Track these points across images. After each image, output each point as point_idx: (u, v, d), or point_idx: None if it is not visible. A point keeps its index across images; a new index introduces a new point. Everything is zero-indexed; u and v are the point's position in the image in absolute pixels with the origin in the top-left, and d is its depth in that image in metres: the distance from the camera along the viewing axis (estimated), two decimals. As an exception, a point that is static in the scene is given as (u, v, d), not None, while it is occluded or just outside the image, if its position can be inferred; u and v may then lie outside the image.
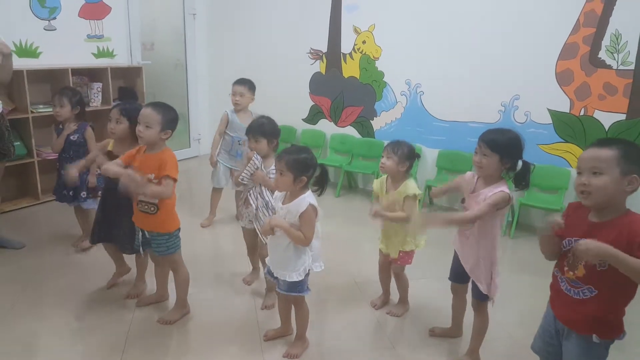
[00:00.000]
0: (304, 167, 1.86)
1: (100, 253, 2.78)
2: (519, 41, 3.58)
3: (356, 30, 4.41)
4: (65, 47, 4.21)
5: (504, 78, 3.69)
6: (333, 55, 4.60)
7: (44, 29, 4.09)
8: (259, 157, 2.30)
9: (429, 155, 4.13)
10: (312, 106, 4.85)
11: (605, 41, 3.27)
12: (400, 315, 2.42)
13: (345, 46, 4.51)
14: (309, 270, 1.97)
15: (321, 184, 1.94)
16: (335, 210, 4.04)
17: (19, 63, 3.69)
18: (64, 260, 2.94)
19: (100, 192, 2.78)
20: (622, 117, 3.29)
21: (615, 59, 3.26)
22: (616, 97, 3.29)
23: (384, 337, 2.28)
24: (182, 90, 5.52)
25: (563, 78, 3.47)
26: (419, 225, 2.07)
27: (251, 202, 2.33)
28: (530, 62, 3.56)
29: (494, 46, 3.69)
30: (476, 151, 1.84)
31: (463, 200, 1.93)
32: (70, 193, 2.94)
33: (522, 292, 2.61)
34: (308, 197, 1.88)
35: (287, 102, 4.84)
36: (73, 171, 2.44)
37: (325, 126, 4.77)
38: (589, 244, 1.26)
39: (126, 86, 4.64)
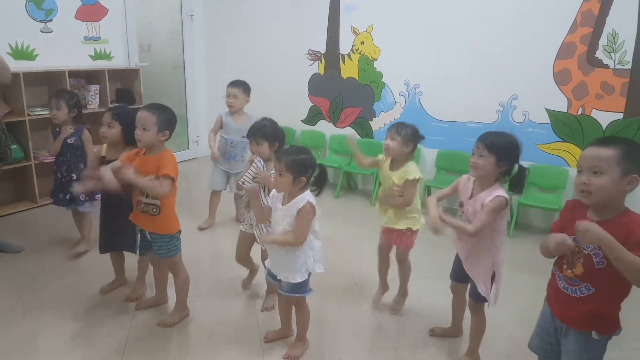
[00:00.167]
0: (303, 168, 1.85)
1: (99, 258, 2.77)
2: (516, 41, 3.59)
3: (355, 31, 4.42)
4: (62, 49, 4.19)
5: (502, 78, 3.70)
6: (332, 56, 4.60)
7: (41, 31, 4.08)
8: (261, 160, 2.28)
9: (428, 155, 4.14)
10: (311, 107, 4.85)
11: (602, 41, 3.28)
12: (400, 309, 2.42)
13: (344, 47, 4.51)
14: (311, 271, 1.96)
15: (320, 184, 1.93)
16: (335, 210, 4.03)
17: (16, 65, 3.67)
18: (63, 264, 2.93)
19: (98, 196, 2.77)
20: (620, 116, 3.30)
21: (612, 59, 3.27)
22: (613, 97, 3.30)
23: (384, 338, 2.27)
24: (180, 92, 5.51)
25: (561, 78, 3.48)
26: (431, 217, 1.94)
27: None
28: (528, 62, 3.57)
29: (492, 46, 3.69)
30: (473, 152, 1.83)
31: (461, 204, 1.92)
32: (67, 197, 2.92)
33: (522, 292, 2.61)
34: (307, 196, 1.88)
35: (286, 103, 4.84)
36: (80, 189, 2.44)
37: (325, 127, 4.77)
38: (589, 226, 1.26)
39: (124, 88, 4.64)
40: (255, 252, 2.49)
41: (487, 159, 1.78)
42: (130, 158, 2.13)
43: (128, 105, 4.26)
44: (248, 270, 2.59)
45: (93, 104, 4.26)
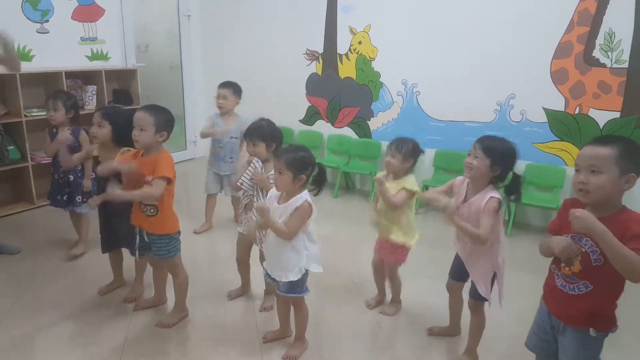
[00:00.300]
0: (303, 165, 1.85)
1: (97, 259, 2.77)
2: (513, 41, 3.59)
3: (352, 31, 4.42)
4: (58, 50, 4.18)
5: (499, 77, 3.70)
6: (329, 56, 4.60)
7: (37, 31, 4.06)
8: (259, 161, 2.27)
9: (426, 155, 4.10)
10: (308, 107, 4.84)
11: (599, 40, 3.29)
12: (393, 314, 2.43)
13: (341, 47, 4.51)
14: (306, 270, 1.95)
15: (319, 184, 1.94)
16: (333, 211, 4.03)
17: (12, 66, 3.66)
18: (61, 265, 2.92)
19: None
20: (617, 115, 3.31)
21: (609, 58, 3.28)
22: (610, 95, 3.31)
23: (383, 337, 2.28)
24: (178, 92, 5.50)
25: (558, 77, 3.49)
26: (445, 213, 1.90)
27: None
28: (525, 62, 3.57)
29: (489, 46, 3.70)
30: (469, 153, 1.85)
31: (456, 207, 1.93)
32: (65, 198, 2.92)
33: (520, 291, 2.61)
34: (305, 195, 1.88)
35: (284, 104, 4.84)
36: (88, 184, 2.55)
37: (322, 127, 4.77)
38: (584, 213, 1.28)
39: (121, 89, 4.63)
40: (254, 253, 2.48)
41: (482, 161, 1.79)
42: (128, 160, 2.12)
43: (125, 106, 4.25)
44: (243, 271, 2.57)
45: (90, 104, 4.24)
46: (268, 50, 4.97)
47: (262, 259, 2.38)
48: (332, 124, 4.72)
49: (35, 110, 3.85)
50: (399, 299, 2.47)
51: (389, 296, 2.52)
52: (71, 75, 4.15)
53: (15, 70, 3.04)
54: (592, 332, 1.41)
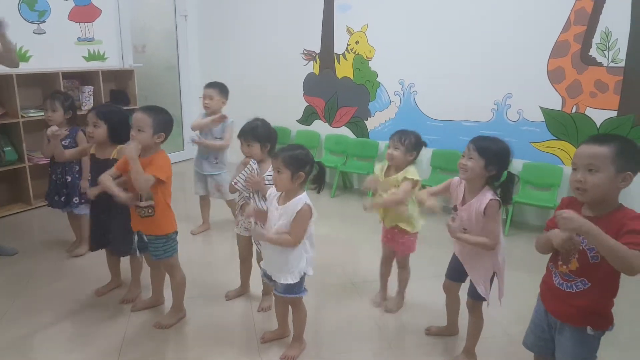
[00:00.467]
0: (301, 163, 1.85)
1: (95, 259, 2.76)
2: (510, 40, 3.60)
3: (349, 31, 4.42)
4: (55, 50, 4.17)
5: (496, 77, 3.71)
6: (326, 55, 4.60)
7: (34, 32, 4.05)
8: (255, 162, 2.26)
9: (423, 154, 4.07)
10: (306, 107, 4.84)
11: (596, 39, 3.30)
12: (396, 311, 2.43)
13: (339, 46, 4.51)
14: (304, 273, 1.95)
15: (319, 182, 1.94)
16: (331, 210, 4.04)
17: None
18: (58, 266, 2.91)
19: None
20: (614, 114, 3.32)
21: (605, 57, 3.29)
22: (607, 94, 3.32)
23: (381, 337, 2.28)
24: (175, 93, 5.49)
25: (555, 76, 3.49)
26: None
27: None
28: (522, 61, 3.58)
29: (486, 45, 3.70)
30: (464, 154, 1.84)
31: (455, 208, 1.93)
32: (62, 199, 2.91)
33: (518, 290, 2.61)
34: (304, 198, 1.88)
35: (281, 104, 4.84)
36: (86, 185, 2.57)
37: (320, 127, 4.77)
38: (573, 215, 1.28)
39: (118, 89, 4.62)
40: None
41: (477, 162, 1.79)
42: (125, 163, 2.12)
43: (122, 106, 4.24)
44: (244, 271, 2.57)
45: (87, 105, 4.23)
46: (265, 50, 4.96)
47: (259, 259, 2.38)
48: (330, 124, 4.72)
49: (32, 111, 3.84)
50: (404, 292, 2.46)
51: (391, 293, 2.50)
52: (68, 75, 4.14)
53: (14, 65, 3.00)
54: (589, 330, 1.42)
